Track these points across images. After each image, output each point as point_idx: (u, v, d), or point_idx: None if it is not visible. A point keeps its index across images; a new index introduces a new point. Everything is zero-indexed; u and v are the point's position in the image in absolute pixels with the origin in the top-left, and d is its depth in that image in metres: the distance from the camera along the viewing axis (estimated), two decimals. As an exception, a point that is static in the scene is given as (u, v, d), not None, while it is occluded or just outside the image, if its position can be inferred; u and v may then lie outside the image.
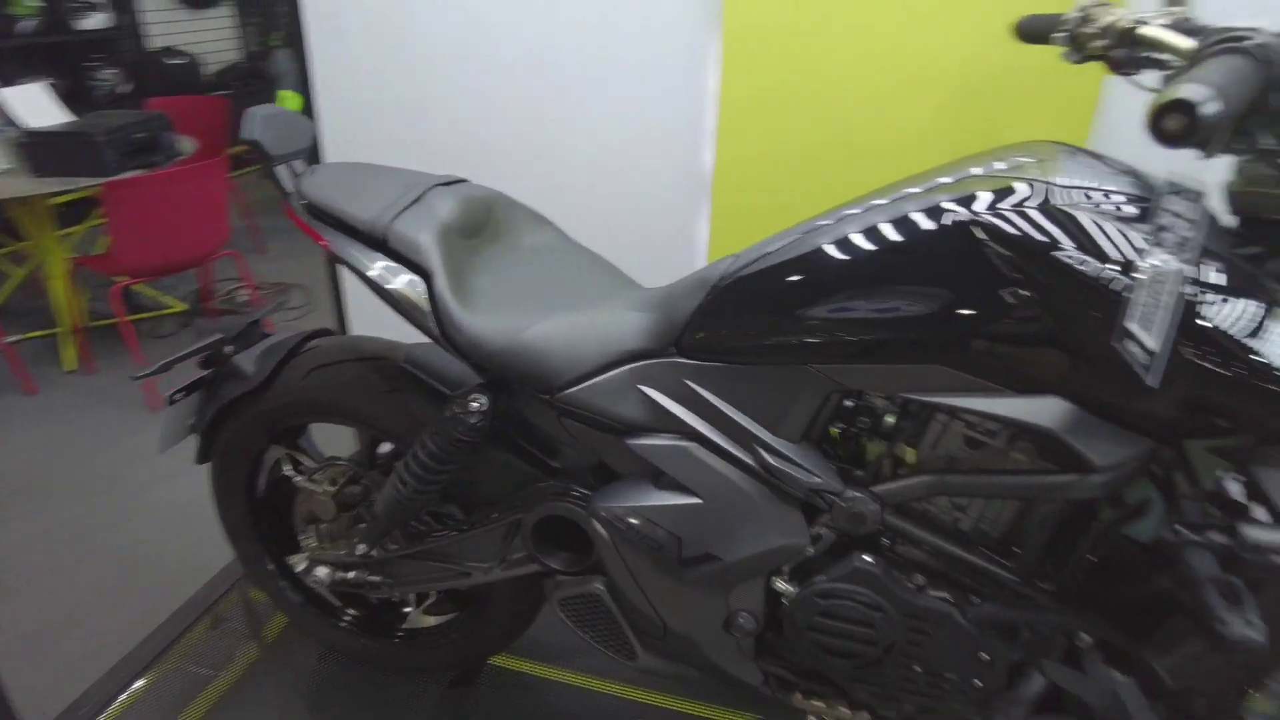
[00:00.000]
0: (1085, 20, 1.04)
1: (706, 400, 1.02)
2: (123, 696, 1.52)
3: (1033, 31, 1.18)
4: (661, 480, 1.06)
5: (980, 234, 0.83)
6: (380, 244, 1.09)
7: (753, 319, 0.97)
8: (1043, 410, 0.85)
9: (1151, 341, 0.67)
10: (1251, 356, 0.75)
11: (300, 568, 1.44)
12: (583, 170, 1.71)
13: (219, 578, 1.80)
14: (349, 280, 1.97)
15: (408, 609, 1.49)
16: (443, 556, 1.27)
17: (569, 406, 1.07)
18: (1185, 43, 0.87)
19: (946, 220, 0.85)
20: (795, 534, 1.02)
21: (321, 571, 1.34)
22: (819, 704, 1.13)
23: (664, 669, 1.19)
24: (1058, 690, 1.04)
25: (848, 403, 1.01)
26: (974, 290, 0.84)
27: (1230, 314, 0.75)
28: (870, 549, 1.02)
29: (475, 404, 1.09)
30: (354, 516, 1.33)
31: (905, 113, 1.46)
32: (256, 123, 1.12)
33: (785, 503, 1.02)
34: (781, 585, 1.05)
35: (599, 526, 1.09)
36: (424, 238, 1.08)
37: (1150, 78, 1.02)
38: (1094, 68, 1.13)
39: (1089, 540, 0.94)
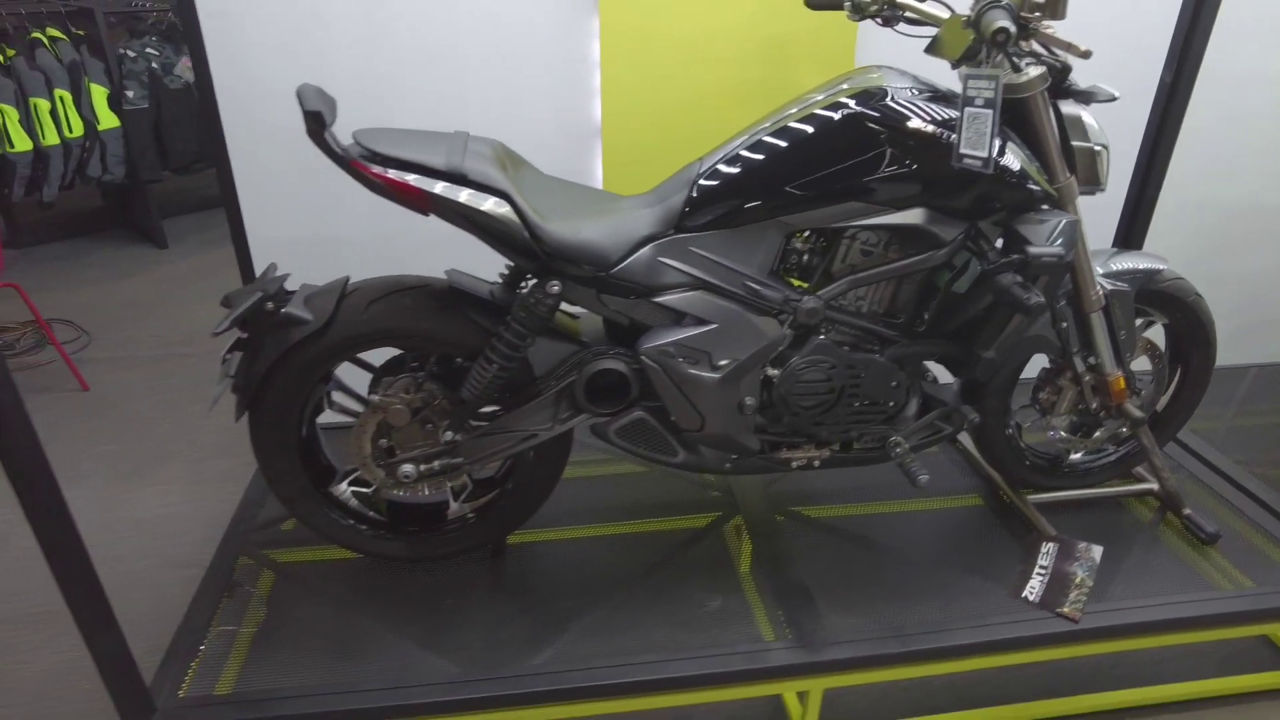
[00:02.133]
0: None
1: (706, 258, 1.52)
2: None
3: (819, 2, 1.82)
4: (684, 320, 1.55)
5: (866, 120, 1.44)
6: (460, 180, 1.41)
7: (730, 197, 1.49)
8: (912, 215, 1.50)
9: (984, 151, 1.32)
10: (1003, 166, 1.45)
11: (346, 491, 1.70)
12: (487, 128, 2.07)
13: (217, 559, 1.88)
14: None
15: (449, 505, 1.78)
16: (509, 427, 1.62)
17: (617, 280, 1.50)
18: (938, 10, 1.55)
19: (843, 113, 1.45)
20: (776, 333, 1.57)
21: (408, 468, 1.61)
22: (798, 452, 1.70)
23: (691, 460, 1.68)
24: (927, 403, 1.73)
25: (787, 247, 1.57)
26: (868, 152, 1.44)
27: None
28: (818, 334, 1.60)
29: (554, 287, 1.48)
30: (420, 420, 1.61)
31: (735, 66, 2.05)
32: (313, 95, 1.35)
33: (767, 314, 1.56)
34: (772, 371, 1.60)
35: (650, 362, 1.54)
36: (494, 171, 1.42)
37: (902, 28, 1.70)
38: (845, 31, 1.83)
39: (935, 300, 1.62)
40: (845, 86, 1.51)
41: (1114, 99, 1.51)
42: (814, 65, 2.07)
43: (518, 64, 2.01)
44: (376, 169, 1.39)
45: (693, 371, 1.55)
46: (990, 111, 1.29)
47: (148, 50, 4.22)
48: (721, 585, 1.79)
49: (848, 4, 1.72)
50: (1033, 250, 1.43)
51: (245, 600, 1.78)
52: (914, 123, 1.43)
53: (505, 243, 1.45)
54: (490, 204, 1.41)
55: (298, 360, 1.54)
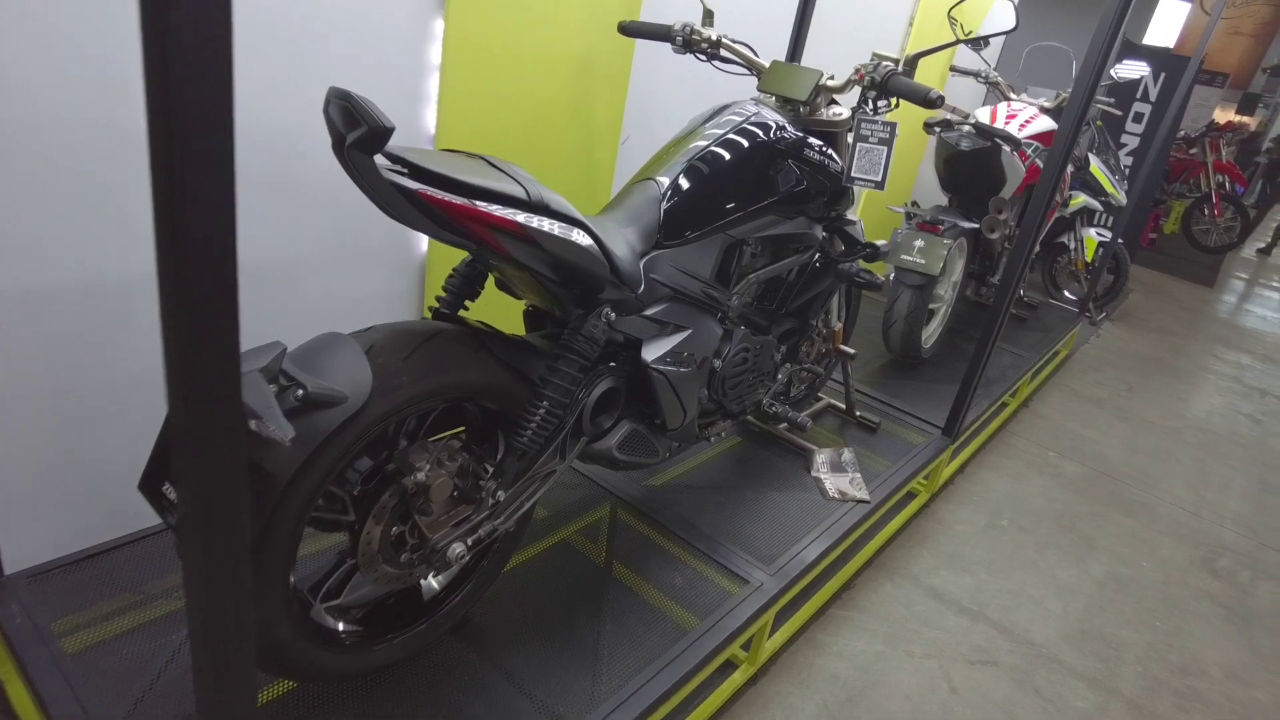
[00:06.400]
0: (694, 31, 2.00)
1: (679, 271, 1.68)
2: None
3: (631, 30, 2.07)
4: (666, 329, 1.68)
5: (781, 149, 1.78)
6: (545, 211, 1.27)
7: (693, 215, 1.68)
8: (800, 224, 1.91)
9: (878, 176, 1.79)
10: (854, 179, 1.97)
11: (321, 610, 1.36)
12: (310, 133, 1.71)
13: None
14: None
15: (425, 584, 1.54)
16: (534, 475, 1.50)
17: (637, 300, 1.55)
18: (760, 61, 1.96)
19: (761, 143, 1.77)
20: (719, 329, 1.81)
21: (458, 547, 1.36)
22: (716, 426, 1.98)
23: (666, 451, 1.81)
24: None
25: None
26: (783, 174, 1.80)
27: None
28: (736, 325, 1.90)
29: (612, 314, 1.45)
30: (454, 490, 1.38)
31: (557, 79, 2.10)
32: (373, 106, 1.07)
33: (712, 314, 1.79)
34: (717, 363, 1.84)
35: (656, 371, 1.63)
36: (562, 198, 1.32)
37: (720, 64, 2.07)
38: (625, 53, 2.14)
39: (794, 289, 2.07)
40: (740, 118, 1.81)
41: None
42: (605, 82, 2.25)
43: (346, 61, 1.70)
44: (460, 201, 1.18)
45: (684, 372, 1.70)
46: (885, 148, 1.78)
47: None
48: (664, 563, 1.97)
49: (679, 38, 2.00)
50: (881, 244, 1.99)
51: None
52: (808, 151, 1.83)
53: (576, 275, 1.37)
54: (577, 235, 1.32)
55: (327, 455, 1.18)
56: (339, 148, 1.11)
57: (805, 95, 1.89)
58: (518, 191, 1.26)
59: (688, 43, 2.01)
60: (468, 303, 1.57)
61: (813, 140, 1.86)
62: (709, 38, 2.00)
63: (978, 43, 1.84)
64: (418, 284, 2.06)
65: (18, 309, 1.44)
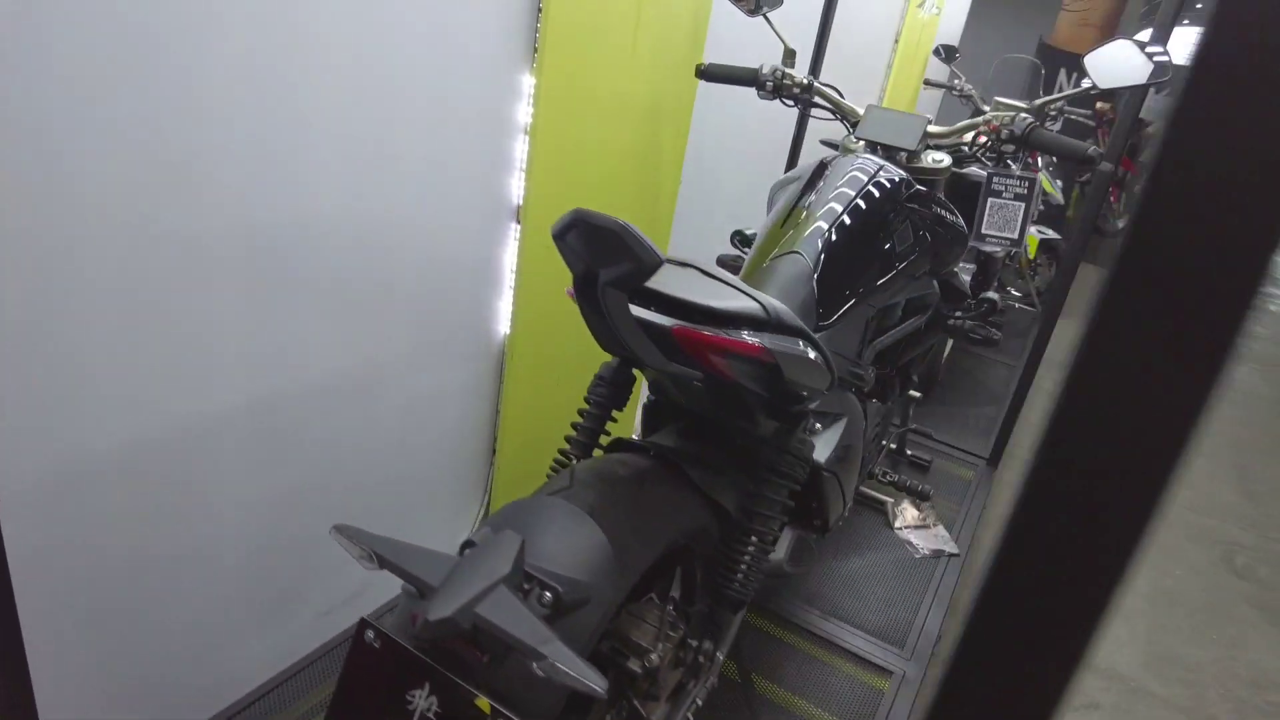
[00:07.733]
0: (785, 75, 1.82)
1: (835, 353, 1.50)
2: None
3: (712, 75, 1.87)
4: (827, 420, 1.50)
5: (916, 208, 1.63)
6: (779, 326, 1.06)
7: (843, 290, 1.51)
8: (925, 283, 1.76)
9: (1014, 234, 1.66)
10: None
11: None
12: (380, 221, 1.42)
13: None
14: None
15: None
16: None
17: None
18: (849, 105, 1.80)
19: (899, 202, 1.61)
20: (860, 407, 1.65)
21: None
22: (873, 493, 1.81)
23: (815, 551, 1.63)
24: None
25: None
26: (918, 234, 1.65)
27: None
28: (867, 399, 1.74)
29: (818, 424, 1.25)
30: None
31: (630, 125, 1.87)
32: (645, 241, 0.85)
33: (852, 390, 1.63)
34: (859, 444, 1.67)
35: (827, 474, 1.44)
36: (784, 305, 1.11)
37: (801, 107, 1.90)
38: (689, 92, 1.96)
39: (904, 350, 1.93)
40: (865, 175, 1.64)
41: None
42: (671, 123, 2.03)
43: (426, 130, 1.42)
44: (714, 334, 0.96)
45: (849, 464, 1.53)
46: (1022, 204, 1.66)
47: None
48: (799, 664, 1.79)
49: (768, 83, 1.82)
50: (995, 296, 1.88)
51: None
52: (936, 206, 1.69)
53: (794, 389, 1.16)
54: (809, 349, 1.12)
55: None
56: (586, 283, 0.87)
57: (914, 144, 1.75)
58: (756, 311, 1.05)
59: (779, 88, 1.83)
60: (615, 413, 1.34)
61: (935, 194, 1.72)
62: (800, 81, 1.82)
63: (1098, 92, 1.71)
64: (495, 370, 1.78)
65: (105, 476, 1.10)
